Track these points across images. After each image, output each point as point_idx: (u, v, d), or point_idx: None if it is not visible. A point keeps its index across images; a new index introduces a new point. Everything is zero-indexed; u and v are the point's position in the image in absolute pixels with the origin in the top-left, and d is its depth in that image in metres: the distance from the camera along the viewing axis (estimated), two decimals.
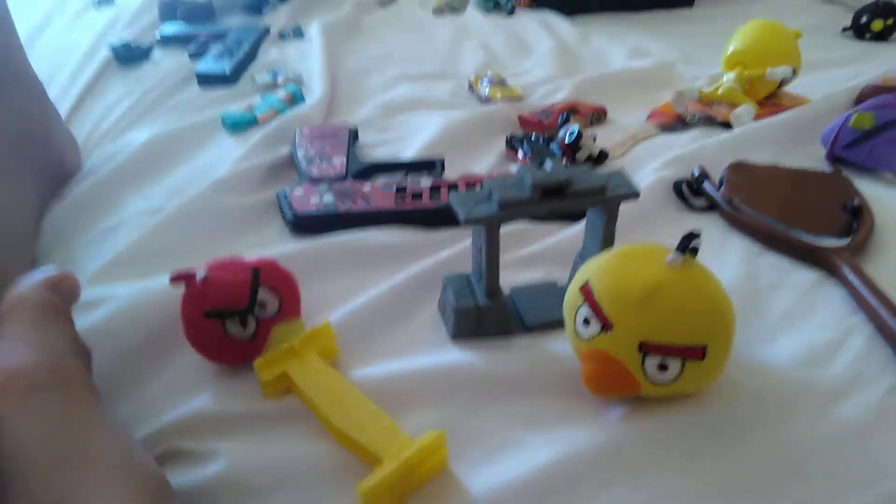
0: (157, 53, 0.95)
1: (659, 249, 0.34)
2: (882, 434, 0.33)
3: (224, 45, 0.90)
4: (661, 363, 0.32)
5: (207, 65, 0.84)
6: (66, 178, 0.62)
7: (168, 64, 0.90)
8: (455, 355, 0.39)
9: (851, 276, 0.43)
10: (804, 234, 0.49)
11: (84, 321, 0.40)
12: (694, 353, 0.32)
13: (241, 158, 0.60)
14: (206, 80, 0.82)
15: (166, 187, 0.59)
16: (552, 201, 0.36)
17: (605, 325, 0.32)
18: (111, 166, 0.61)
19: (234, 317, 0.36)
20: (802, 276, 0.46)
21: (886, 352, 0.39)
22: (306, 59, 0.90)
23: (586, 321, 0.33)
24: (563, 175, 0.36)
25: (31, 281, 0.32)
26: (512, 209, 0.35)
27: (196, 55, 0.91)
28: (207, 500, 0.31)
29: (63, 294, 0.32)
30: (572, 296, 0.35)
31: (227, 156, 0.63)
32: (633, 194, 0.38)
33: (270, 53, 0.93)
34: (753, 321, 0.41)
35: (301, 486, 0.31)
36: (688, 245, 0.32)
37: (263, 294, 0.37)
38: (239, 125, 0.69)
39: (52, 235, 0.53)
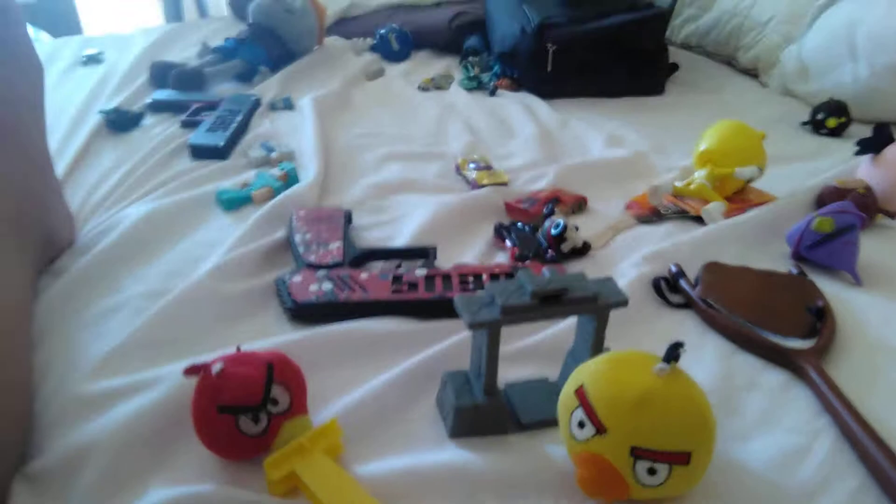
0: (148, 119, 0.97)
1: (648, 357, 0.37)
2: None
3: (217, 115, 0.92)
4: (651, 467, 0.34)
5: (201, 137, 0.86)
6: (58, 252, 0.62)
7: (159, 131, 0.92)
8: (454, 453, 0.40)
9: (818, 380, 0.47)
10: (773, 335, 0.52)
11: (92, 419, 0.41)
12: (680, 459, 0.34)
13: (238, 242, 0.61)
14: (199, 152, 0.84)
15: (163, 268, 0.60)
16: (550, 308, 0.39)
17: (600, 429, 0.35)
18: (106, 244, 0.62)
19: (248, 413, 0.37)
20: (773, 377, 0.49)
21: (850, 455, 0.42)
22: (297, 132, 0.93)
23: (581, 424, 0.36)
24: (561, 283, 0.39)
25: None
26: (513, 315, 0.38)
27: (188, 124, 0.93)
28: None
29: None
30: (567, 399, 0.37)
31: (222, 236, 0.65)
32: (624, 302, 0.41)
33: (262, 125, 0.96)
34: (730, 421, 0.44)
35: None
36: (673, 355, 0.35)
37: (276, 390, 0.38)
38: (234, 203, 0.72)
39: (48, 314, 0.53)
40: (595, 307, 0.40)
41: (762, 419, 0.45)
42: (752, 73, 1.35)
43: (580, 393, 0.36)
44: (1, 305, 0.46)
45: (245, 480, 0.38)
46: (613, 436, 0.34)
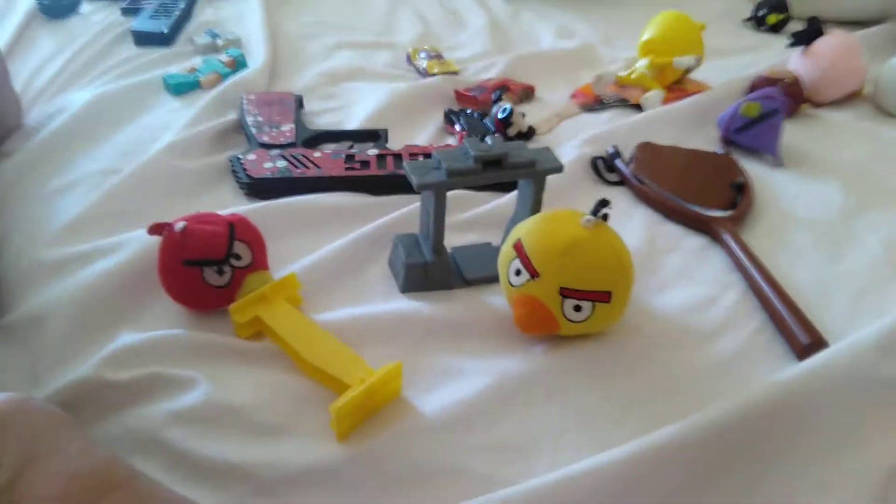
0: (86, 6, 0.93)
1: (577, 213, 0.41)
2: (746, 363, 0.42)
3: (159, 2, 0.89)
4: (577, 305, 0.39)
5: (144, 23, 0.83)
6: (5, 134, 0.62)
7: (99, 19, 0.88)
8: (405, 303, 0.45)
9: (731, 242, 0.52)
10: (696, 206, 0.57)
11: (58, 279, 0.43)
12: (602, 297, 0.39)
13: (190, 122, 0.62)
14: (142, 38, 0.82)
15: (114, 148, 0.60)
16: (492, 171, 0.42)
17: (533, 274, 0.39)
18: (55, 125, 0.62)
19: (213, 266, 0.40)
20: (692, 242, 0.54)
21: (754, 303, 0.48)
22: (243, 20, 0.91)
23: (518, 272, 0.40)
24: (501, 149, 0.42)
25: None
26: (459, 177, 0.41)
27: (128, 11, 0.90)
28: (196, 419, 0.35)
29: None
30: (506, 252, 0.41)
31: (173, 118, 0.65)
32: (558, 168, 0.44)
33: (206, 13, 0.93)
34: (650, 277, 0.50)
35: (279, 406, 0.37)
36: (599, 210, 0.40)
37: (238, 246, 0.41)
38: (181, 87, 0.71)
39: (2, 193, 0.54)
40: (533, 172, 0.44)
41: (679, 275, 0.50)
42: None
43: (517, 246, 0.40)
44: None
45: (212, 327, 0.41)
46: (545, 279, 0.39)
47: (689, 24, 0.79)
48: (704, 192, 0.59)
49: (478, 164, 0.42)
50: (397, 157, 0.59)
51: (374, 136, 0.64)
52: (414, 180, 0.41)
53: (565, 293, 0.39)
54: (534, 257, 0.39)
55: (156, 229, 0.40)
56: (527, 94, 0.77)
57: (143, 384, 0.37)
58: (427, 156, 0.59)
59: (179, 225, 0.40)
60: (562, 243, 0.39)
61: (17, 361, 0.40)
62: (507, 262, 0.41)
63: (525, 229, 0.41)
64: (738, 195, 0.60)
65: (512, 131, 0.67)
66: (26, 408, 0.26)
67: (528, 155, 0.44)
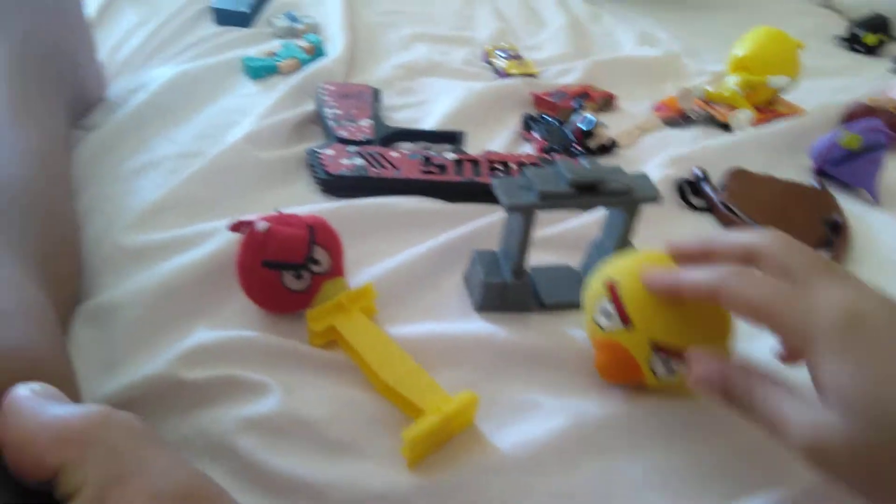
0: None
1: None
2: None
3: None
4: (668, 363, 0.36)
5: (224, 1, 0.83)
6: (89, 107, 0.62)
7: None
8: (480, 325, 0.43)
9: None
10: None
11: (136, 268, 0.43)
12: None
13: (269, 111, 0.61)
14: (223, 17, 0.82)
15: (192, 130, 0.60)
16: (586, 197, 0.40)
17: (625, 321, 0.36)
18: (135, 102, 0.61)
19: (291, 269, 0.39)
20: None
21: None
22: (321, 4, 0.90)
23: (607, 314, 0.37)
24: (598, 174, 0.40)
25: (36, 411, 0.25)
26: (550, 200, 0.39)
27: None
28: (267, 428, 0.35)
29: (58, 397, 0.27)
30: (595, 289, 0.39)
31: (250, 102, 0.65)
32: (655, 198, 0.42)
33: None
34: (736, 320, 0.47)
35: (350, 424, 0.36)
36: None
37: (317, 251, 0.40)
38: (260, 71, 0.70)
39: (83, 170, 0.54)
40: (629, 200, 0.42)
41: None
42: None
43: (611, 287, 0.37)
44: (46, 150, 0.47)
45: (285, 332, 0.40)
46: (637, 329, 0.36)
47: (787, 42, 0.74)
48: (796, 227, 0.56)
49: (572, 187, 0.40)
50: (475, 162, 0.57)
51: (451, 137, 0.62)
52: (504, 201, 0.39)
53: (659, 349, 0.36)
54: (629, 305, 0.36)
55: (237, 227, 0.39)
56: (607, 102, 0.75)
57: (217, 385, 0.37)
58: (506, 165, 0.57)
59: (262, 225, 0.39)
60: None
61: (93, 348, 0.39)
62: (594, 300, 0.38)
63: (621, 270, 0.38)
64: (831, 233, 0.56)
65: (593, 143, 0.64)
66: (111, 423, 0.25)
67: (625, 181, 0.41)
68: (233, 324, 0.41)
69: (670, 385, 0.38)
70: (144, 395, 0.36)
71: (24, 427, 0.25)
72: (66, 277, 0.42)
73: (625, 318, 0.36)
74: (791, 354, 0.38)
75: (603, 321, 0.38)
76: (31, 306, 0.33)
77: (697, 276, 0.33)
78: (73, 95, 0.58)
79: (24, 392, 0.26)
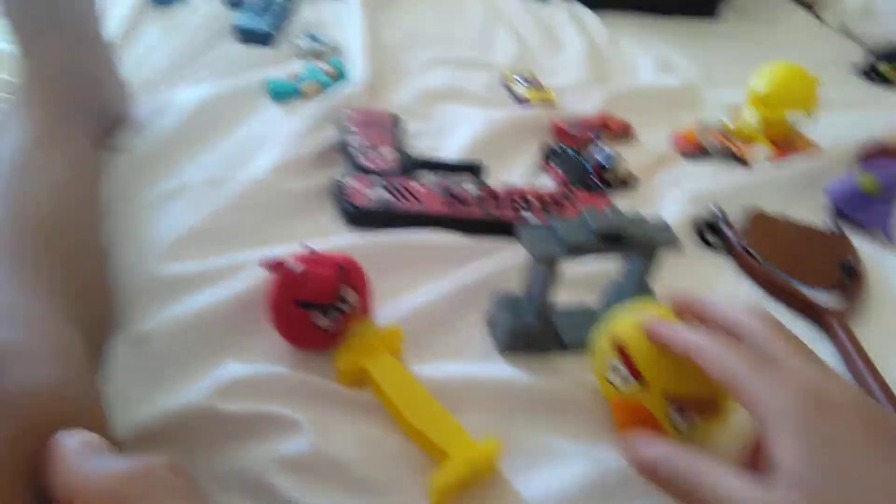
0: None
1: None
2: None
3: None
4: (685, 413, 0.37)
5: (248, 20, 0.84)
6: (113, 125, 0.63)
7: (203, 10, 0.89)
8: (503, 368, 0.44)
9: (844, 339, 0.50)
10: (801, 285, 0.55)
11: (168, 299, 0.44)
12: (713, 407, 0.37)
13: (295, 139, 0.62)
14: (246, 35, 0.82)
15: (219, 155, 0.61)
16: (610, 246, 0.41)
17: (638, 379, 0.37)
18: (164, 126, 0.62)
19: (322, 309, 0.40)
20: (801, 330, 0.52)
21: None
22: (343, 24, 0.91)
23: (618, 373, 0.38)
24: (622, 223, 0.41)
25: (85, 464, 0.26)
26: (576, 251, 0.40)
27: (232, 5, 0.90)
28: (301, 467, 0.36)
29: (105, 447, 0.27)
30: (603, 348, 0.40)
31: (274, 127, 0.65)
32: (677, 247, 0.43)
33: (305, 13, 0.93)
34: None
35: (380, 466, 0.37)
36: None
37: (347, 291, 0.41)
38: (283, 95, 0.71)
39: (111, 194, 0.55)
40: (651, 249, 0.42)
41: None
42: (810, 4, 1.29)
43: (620, 349, 0.38)
44: (73, 176, 0.47)
45: (313, 368, 0.41)
46: (652, 386, 0.37)
47: (806, 79, 0.75)
48: (812, 269, 0.57)
49: (597, 238, 0.41)
50: (497, 197, 0.58)
51: (472, 169, 0.63)
52: (532, 251, 0.40)
53: (673, 401, 0.37)
54: (641, 363, 0.37)
55: (273, 268, 0.40)
56: (625, 132, 0.75)
57: (251, 420, 0.38)
58: (526, 201, 0.58)
59: (297, 266, 0.40)
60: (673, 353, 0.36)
61: (128, 375, 0.40)
62: (603, 358, 0.39)
63: (628, 328, 0.39)
64: (846, 277, 0.57)
65: (612, 178, 0.65)
66: (153, 476, 0.26)
67: (647, 230, 0.42)
68: (261, 359, 0.42)
69: (692, 438, 0.39)
70: (180, 426, 0.37)
71: (71, 480, 0.26)
72: (97, 308, 0.42)
73: (637, 375, 0.37)
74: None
75: (615, 380, 0.38)
76: (59, 343, 0.33)
77: (686, 335, 0.35)
78: (96, 115, 0.58)
79: (71, 442, 0.26)
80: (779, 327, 0.34)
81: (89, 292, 0.42)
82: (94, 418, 0.32)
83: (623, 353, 0.38)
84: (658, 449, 0.33)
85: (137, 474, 0.26)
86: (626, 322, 0.39)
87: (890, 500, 0.27)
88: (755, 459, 0.33)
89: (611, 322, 0.40)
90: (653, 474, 0.33)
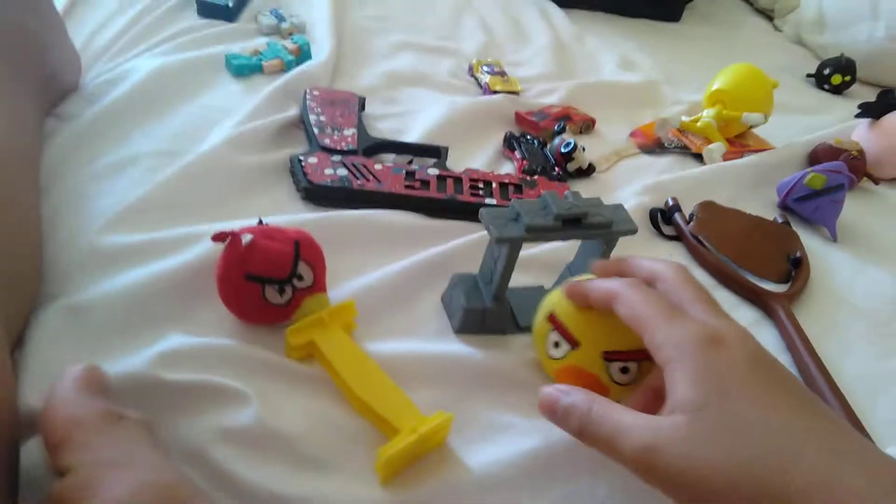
0: None
1: None
2: None
3: None
4: (623, 367, 0.38)
5: None
6: (62, 94, 0.60)
7: None
8: (457, 346, 0.44)
9: (785, 321, 0.51)
10: (750, 275, 0.57)
11: (110, 270, 0.43)
12: (646, 355, 0.38)
13: (252, 113, 0.60)
14: (206, 9, 0.80)
15: (170, 127, 0.59)
16: (570, 230, 0.41)
17: (574, 344, 0.38)
18: (115, 95, 0.60)
19: (275, 284, 0.39)
20: (745, 314, 0.54)
21: None
22: (308, 2, 0.89)
23: (556, 344, 0.39)
24: (582, 208, 0.41)
25: (69, 393, 0.30)
26: (537, 233, 0.40)
27: None
28: (243, 440, 0.35)
29: (98, 389, 0.32)
30: (540, 326, 0.41)
31: (232, 102, 0.64)
32: (632, 231, 0.43)
33: None
34: None
35: (325, 440, 0.36)
36: None
37: (301, 267, 0.40)
38: (243, 69, 0.70)
39: (57, 160, 0.52)
40: (609, 233, 0.43)
41: None
42: (768, 13, 1.33)
43: (552, 318, 0.39)
44: (8, 136, 0.45)
45: (261, 342, 0.40)
46: (586, 347, 0.38)
47: (763, 81, 0.77)
48: (760, 260, 0.58)
49: (558, 221, 0.41)
50: (457, 180, 0.58)
51: (434, 152, 0.62)
52: (493, 232, 0.40)
53: (610, 357, 0.38)
54: (571, 326, 0.38)
55: (220, 237, 0.39)
56: (587, 126, 0.76)
57: (195, 390, 0.36)
58: (487, 185, 0.58)
59: (246, 238, 0.39)
60: (598, 309, 0.37)
61: (67, 344, 0.39)
62: (543, 336, 0.40)
63: (557, 300, 0.40)
64: (793, 269, 0.59)
65: (572, 167, 0.65)
66: (125, 421, 0.30)
67: (606, 214, 0.43)
68: (207, 332, 0.41)
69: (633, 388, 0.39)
70: (121, 394, 0.36)
71: (53, 397, 0.30)
72: (20, 273, 0.40)
73: (571, 340, 0.38)
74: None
75: (554, 351, 0.39)
76: None
77: (602, 284, 0.37)
78: (43, 81, 0.56)
79: (76, 370, 0.31)
80: (688, 276, 0.36)
81: (14, 254, 0.39)
82: None
83: (555, 322, 0.39)
84: (557, 388, 0.35)
85: (112, 415, 0.30)
86: (556, 295, 0.40)
87: (765, 423, 0.29)
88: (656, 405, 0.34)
89: (544, 302, 0.41)
90: (551, 412, 0.35)
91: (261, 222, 0.42)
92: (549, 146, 0.67)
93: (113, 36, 0.72)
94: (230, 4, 0.81)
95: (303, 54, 0.74)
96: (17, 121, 0.48)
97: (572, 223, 0.41)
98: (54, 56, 0.59)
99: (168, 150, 0.55)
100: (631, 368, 0.38)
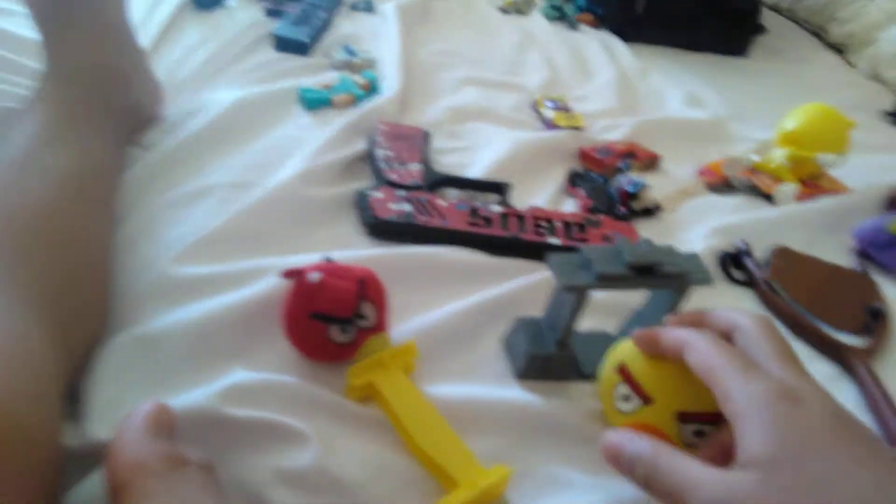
0: (232, 0, 0.95)
1: None
2: None
3: (301, 9, 0.91)
4: (698, 430, 0.36)
5: (286, 29, 0.85)
6: (144, 123, 0.63)
7: (243, 17, 0.90)
8: (518, 393, 0.43)
9: (866, 378, 0.49)
10: (826, 326, 0.54)
11: (181, 300, 0.44)
12: (724, 418, 0.36)
13: (323, 148, 0.62)
14: (283, 44, 0.83)
15: (246, 159, 0.61)
16: (642, 279, 0.40)
17: (646, 400, 0.37)
18: (195, 126, 0.63)
19: (338, 323, 0.40)
20: (822, 368, 0.51)
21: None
22: (378, 39, 0.92)
23: (626, 398, 0.37)
24: (655, 256, 0.41)
25: (136, 434, 0.31)
26: (608, 282, 0.40)
27: (272, 13, 0.92)
28: (302, 483, 0.35)
29: (164, 430, 0.32)
30: (608, 377, 0.39)
31: (303, 135, 0.66)
32: (707, 282, 0.42)
33: (343, 26, 0.94)
34: None
35: (384, 488, 0.36)
36: None
37: (365, 306, 0.41)
38: (315, 103, 0.72)
39: (135, 191, 0.55)
40: (682, 284, 0.42)
41: None
42: (840, 48, 1.29)
43: (622, 370, 0.38)
44: (82, 172, 0.47)
45: (323, 380, 0.41)
46: (659, 404, 0.36)
47: (838, 121, 0.74)
48: (837, 311, 0.56)
49: (630, 269, 0.40)
50: (521, 217, 0.57)
51: (497, 188, 0.63)
52: (561, 280, 0.39)
53: (685, 418, 0.36)
54: (644, 381, 0.37)
55: (290, 275, 0.40)
56: (652, 162, 0.75)
57: (256, 427, 0.37)
58: (551, 222, 0.58)
59: (314, 276, 0.39)
60: (674, 364, 0.36)
61: (135, 374, 0.40)
62: (610, 388, 0.39)
63: (628, 352, 0.38)
64: (872, 320, 0.56)
65: (637, 205, 0.64)
66: (187, 469, 0.31)
67: (679, 263, 0.41)
68: (270, 367, 0.41)
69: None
70: (182, 428, 0.36)
71: (121, 438, 0.31)
72: (84, 307, 0.41)
73: (643, 396, 0.37)
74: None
75: (623, 406, 0.38)
76: (8, 341, 0.31)
77: (673, 333, 0.36)
78: (124, 112, 0.58)
79: (144, 409, 0.32)
80: (771, 329, 0.34)
81: (79, 287, 0.41)
82: (31, 427, 0.29)
83: (626, 375, 0.37)
84: (623, 435, 0.34)
85: (176, 460, 0.30)
86: (627, 347, 0.39)
87: (845, 483, 0.27)
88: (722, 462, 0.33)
89: (612, 354, 0.40)
90: (615, 460, 0.34)
91: (329, 259, 0.43)
92: (613, 183, 0.67)
93: (194, 68, 0.76)
94: (306, 41, 0.84)
95: (372, 89, 0.76)
96: (87, 157, 0.49)
97: (645, 272, 0.40)
98: (137, 89, 0.62)
99: (241, 182, 0.57)
100: (706, 432, 0.36)
